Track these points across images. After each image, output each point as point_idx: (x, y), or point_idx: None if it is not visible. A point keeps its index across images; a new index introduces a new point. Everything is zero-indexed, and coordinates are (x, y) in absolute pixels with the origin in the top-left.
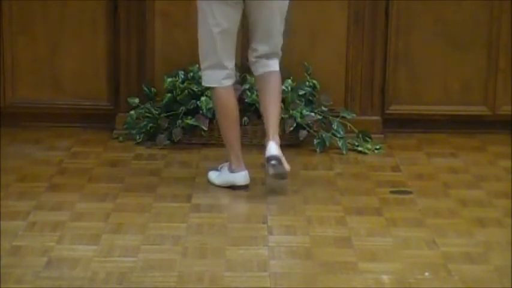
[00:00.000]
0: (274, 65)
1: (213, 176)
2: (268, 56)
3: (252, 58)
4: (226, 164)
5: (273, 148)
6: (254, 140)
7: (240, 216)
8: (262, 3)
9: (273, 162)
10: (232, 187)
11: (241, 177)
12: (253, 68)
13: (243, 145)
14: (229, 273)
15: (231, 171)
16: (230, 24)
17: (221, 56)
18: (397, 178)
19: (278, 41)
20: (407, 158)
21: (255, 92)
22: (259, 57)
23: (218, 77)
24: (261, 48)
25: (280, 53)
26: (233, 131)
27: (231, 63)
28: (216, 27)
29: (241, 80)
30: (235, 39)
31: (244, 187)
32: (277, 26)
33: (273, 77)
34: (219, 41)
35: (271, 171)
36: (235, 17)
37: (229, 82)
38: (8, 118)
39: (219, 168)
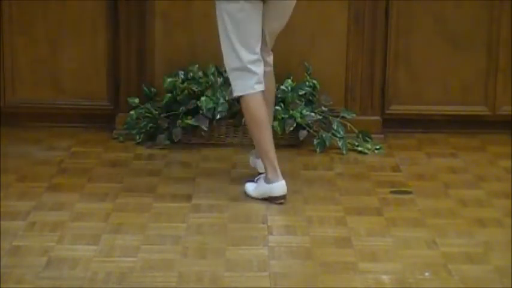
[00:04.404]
0: None
1: (250, 188)
2: None
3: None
4: (262, 175)
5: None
6: None
7: (240, 216)
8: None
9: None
10: (270, 199)
11: (278, 187)
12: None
13: (244, 145)
14: (229, 273)
15: (268, 182)
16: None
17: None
18: (397, 178)
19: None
20: (407, 158)
21: None
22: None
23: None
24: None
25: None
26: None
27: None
28: None
29: None
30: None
31: (281, 198)
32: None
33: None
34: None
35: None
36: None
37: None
38: (8, 118)
39: (255, 180)
